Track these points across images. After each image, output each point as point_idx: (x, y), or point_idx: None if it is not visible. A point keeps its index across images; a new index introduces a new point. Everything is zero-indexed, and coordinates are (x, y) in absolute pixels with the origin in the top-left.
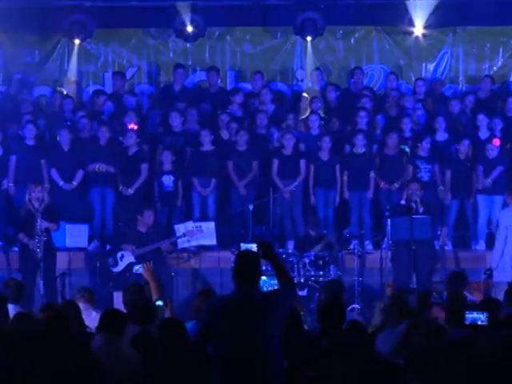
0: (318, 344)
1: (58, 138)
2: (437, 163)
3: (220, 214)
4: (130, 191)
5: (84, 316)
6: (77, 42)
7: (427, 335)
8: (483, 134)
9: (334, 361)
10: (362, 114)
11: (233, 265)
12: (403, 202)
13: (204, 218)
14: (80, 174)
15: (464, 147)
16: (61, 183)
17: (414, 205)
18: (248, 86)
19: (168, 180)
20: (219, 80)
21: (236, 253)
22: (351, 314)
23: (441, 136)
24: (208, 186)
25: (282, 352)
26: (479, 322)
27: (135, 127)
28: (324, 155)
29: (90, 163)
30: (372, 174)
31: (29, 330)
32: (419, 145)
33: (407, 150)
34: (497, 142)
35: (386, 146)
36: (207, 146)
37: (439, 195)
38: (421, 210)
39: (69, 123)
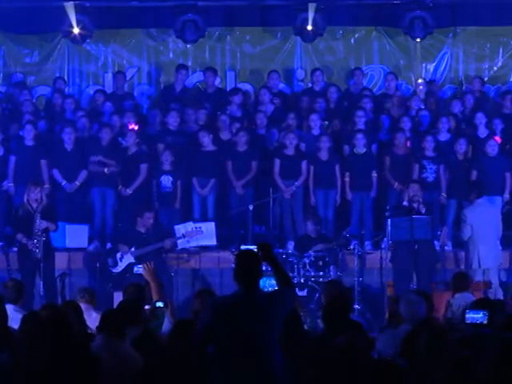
0: (319, 344)
1: (62, 136)
2: (442, 164)
3: (220, 214)
4: (129, 191)
5: (84, 317)
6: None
7: (432, 337)
8: (482, 132)
9: (336, 361)
10: (360, 113)
11: (233, 265)
12: (405, 202)
13: (204, 218)
14: (83, 174)
15: (462, 147)
16: (63, 183)
17: (415, 205)
18: (247, 87)
19: (166, 180)
20: (217, 80)
21: (236, 253)
22: (351, 314)
23: (443, 136)
24: (206, 186)
25: (282, 352)
26: (479, 322)
27: (135, 127)
28: (323, 155)
29: (92, 163)
30: (374, 174)
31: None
32: (426, 145)
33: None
34: (498, 139)
35: (394, 146)
36: (206, 147)
37: (441, 198)
38: (423, 210)
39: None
